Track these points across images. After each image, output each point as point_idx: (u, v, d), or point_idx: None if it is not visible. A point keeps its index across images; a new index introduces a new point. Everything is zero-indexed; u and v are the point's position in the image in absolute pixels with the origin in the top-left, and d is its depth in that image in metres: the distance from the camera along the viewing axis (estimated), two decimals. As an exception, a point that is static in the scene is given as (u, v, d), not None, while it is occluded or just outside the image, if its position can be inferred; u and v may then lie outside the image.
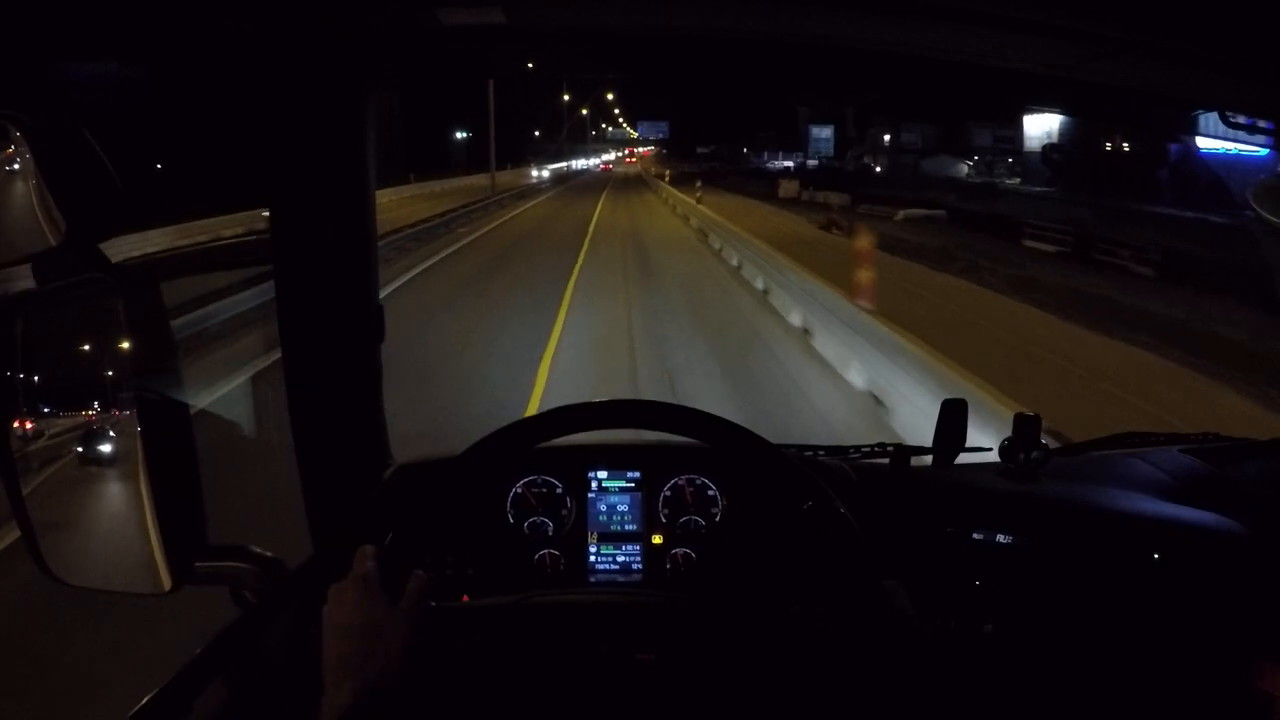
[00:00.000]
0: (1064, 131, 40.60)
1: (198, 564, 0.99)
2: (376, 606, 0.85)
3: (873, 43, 1.28)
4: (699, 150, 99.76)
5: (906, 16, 1.16)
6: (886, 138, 61.31)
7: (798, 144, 74.28)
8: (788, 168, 65.96)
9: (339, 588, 0.87)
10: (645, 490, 1.40)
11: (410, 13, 1.18)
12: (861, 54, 1.34)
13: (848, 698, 1.12)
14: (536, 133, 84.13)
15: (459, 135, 59.93)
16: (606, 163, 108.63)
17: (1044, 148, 42.35)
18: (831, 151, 65.87)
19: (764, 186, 42.50)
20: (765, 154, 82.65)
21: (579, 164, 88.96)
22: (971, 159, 52.70)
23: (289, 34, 1.13)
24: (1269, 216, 1.42)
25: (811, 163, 65.97)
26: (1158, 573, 1.29)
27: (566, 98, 71.33)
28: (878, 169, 57.16)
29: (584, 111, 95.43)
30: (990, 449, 1.54)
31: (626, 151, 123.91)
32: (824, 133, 66.03)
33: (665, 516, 1.39)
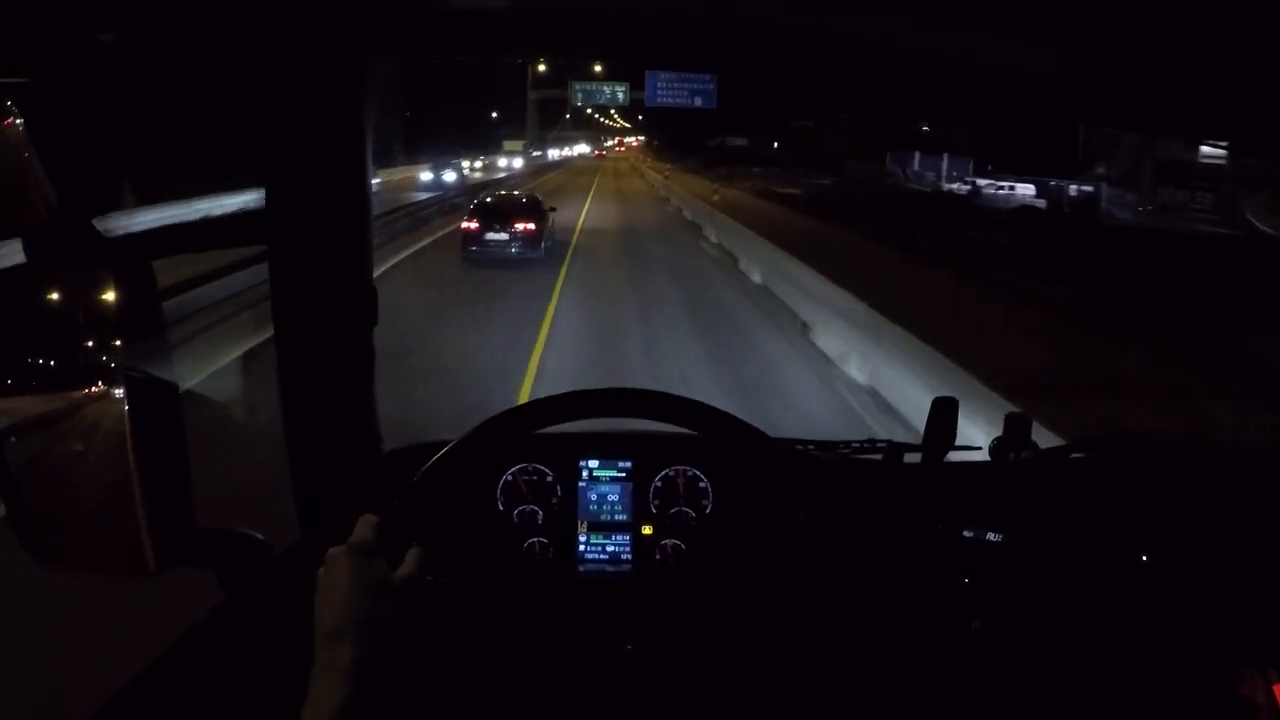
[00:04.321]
0: None
1: (185, 547, 0.98)
2: (375, 572, 0.86)
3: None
4: (728, 142, 51.88)
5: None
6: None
7: (893, 137, 41.28)
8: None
9: (337, 552, 0.87)
10: (636, 480, 1.40)
11: None
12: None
13: (833, 691, 1.12)
14: (494, 114, 54.58)
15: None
16: (600, 150, 76.49)
17: None
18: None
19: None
20: (915, 158, 42.93)
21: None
22: None
23: (291, 12, 1.12)
24: (1262, 226, 1.45)
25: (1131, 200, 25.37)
26: (1144, 574, 1.30)
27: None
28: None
29: (541, 67, 39.06)
30: (980, 448, 1.55)
31: (616, 141, 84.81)
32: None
33: (656, 507, 1.39)
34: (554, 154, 63.09)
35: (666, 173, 39.15)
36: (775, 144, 51.59)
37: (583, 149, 75.26)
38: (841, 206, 23.76)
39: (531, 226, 13.21)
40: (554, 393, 1.04)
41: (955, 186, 36.80)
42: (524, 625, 1.13)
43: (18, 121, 1.07)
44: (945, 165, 40.12)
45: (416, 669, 0.87)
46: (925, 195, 34.16)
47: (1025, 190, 32.09)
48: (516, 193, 16.65)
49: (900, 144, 43.03)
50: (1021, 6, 1.00)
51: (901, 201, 28.88)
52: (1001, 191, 32.64)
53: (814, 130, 46.47)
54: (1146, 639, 1.29)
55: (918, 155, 42.81)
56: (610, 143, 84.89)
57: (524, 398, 6.65)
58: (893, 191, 34.94)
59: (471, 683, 1.10)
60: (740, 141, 53.87)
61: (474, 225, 13.22)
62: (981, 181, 35.04)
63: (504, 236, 13.03)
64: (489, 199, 14.74)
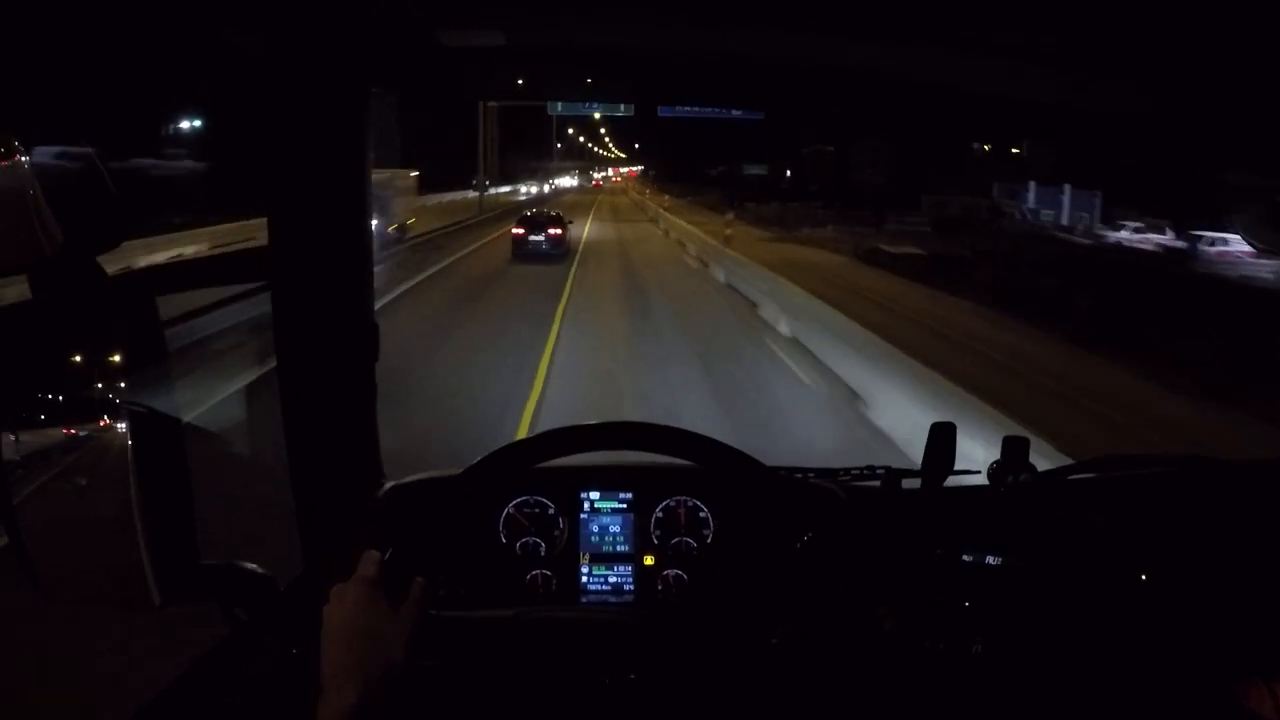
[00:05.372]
0: None
1: (188, 580, 0.99)
2: (379, 610, 0.86)
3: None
4: (746, 170, 47.67)
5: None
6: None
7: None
8: None
9: (341, 590, 0.88)
10: (637, 511, 1.40)
11: (411, 35, 1.19)
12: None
13: (831, 715, 1.12)
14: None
15: (184, 125, 16.10)
16: (597, 181, 65.24)
17: None
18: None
19: None
20: (1030, 191, 31.74)
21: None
22: None
23: (290, 51, 1.14)
24: (1255, 242, 1.47)
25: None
26: (1144, 593, 1.30)
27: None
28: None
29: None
30: (979, 472, 1.55)
31: (611, 171, 75.89)
32: None
33: (657, 538, 1.39)
34: (525, 190, 48.78)
35: (728, 231, 21.11)
36: (788, 172, 44.37)
37: (568, 181, 62.34)
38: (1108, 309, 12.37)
39: (559, 232, 19.01)
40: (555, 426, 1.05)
41: (1125, 235, 25.65)
42: (527, 657, 1.13)
43: (23, 159, 1.09)
44: (1067, 201, 29.49)
45: (421, 703, 0.87)
46: (1106, 249, 24.07)
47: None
48: (548, 210, 22.64)
49: (954, 171, 33.59)
50: (1023, 34, 1.02)
51: (1125, 276, 17.71)
52: (1214, 247, 21.58)
53: (837, 156, 38.66)
54: (1149, 657, 1.28)
55: (1033, 187, 30.80)
56: (601, 175, 76.93)
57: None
58: (1058, 248, 24.16)
59: (475, 716, 1.10)
60: (759, 170, 47.00)
61: (521, 231, 18.80)
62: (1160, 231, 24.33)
63: (541, 239, 18.68)
64: (527, 214, 20.70)
